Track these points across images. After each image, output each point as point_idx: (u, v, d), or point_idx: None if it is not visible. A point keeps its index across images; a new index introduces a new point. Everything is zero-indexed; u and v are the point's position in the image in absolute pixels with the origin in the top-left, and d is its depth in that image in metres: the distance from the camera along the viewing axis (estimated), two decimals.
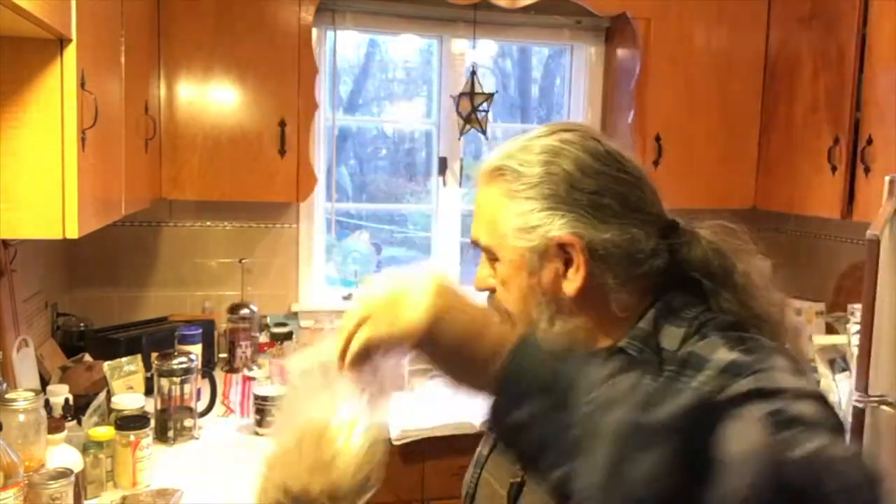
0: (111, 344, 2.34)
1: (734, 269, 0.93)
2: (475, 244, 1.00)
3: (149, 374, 2.14)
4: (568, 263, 0.92)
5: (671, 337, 0.90)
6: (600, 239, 0.90)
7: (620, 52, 2.98)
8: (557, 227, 0.91)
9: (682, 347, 0.89)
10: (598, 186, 0.92)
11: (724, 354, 0.83)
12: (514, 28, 3.03)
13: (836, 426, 0.77)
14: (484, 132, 2.88)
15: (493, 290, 0.98)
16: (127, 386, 2.08)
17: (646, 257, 0.92)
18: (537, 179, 0.92)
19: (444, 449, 2.24)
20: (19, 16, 1.15)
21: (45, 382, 2.04)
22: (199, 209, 2.83)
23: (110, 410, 1.87)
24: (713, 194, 2.85)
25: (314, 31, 2.70)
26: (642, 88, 2.77)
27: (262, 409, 2.09)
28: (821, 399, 0.78)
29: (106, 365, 2.07)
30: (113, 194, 1.80)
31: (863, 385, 1.67)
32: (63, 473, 1.41)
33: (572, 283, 0.92)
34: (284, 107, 2.53)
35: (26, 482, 1.32)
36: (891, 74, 2.21)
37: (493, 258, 0.97)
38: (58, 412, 1.78)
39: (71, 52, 1.39)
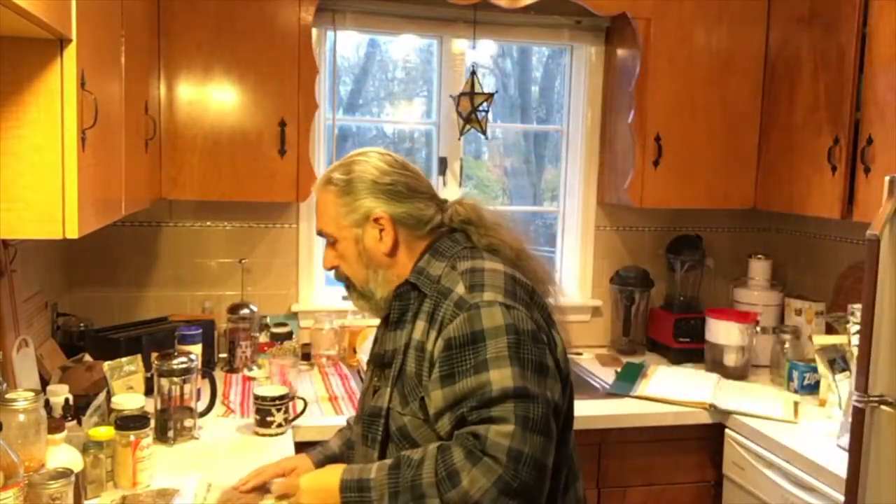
0: (111, 344, 2.34)
1: (483, 218, 1.51)
2: (320, 234, 1.52)
3: (149, 374, 2.13)
4: (381, 231, 1.46)
5: (436, 268, 1.44)
6: (398, 212, 1.46)
7: (620, 53, 2.98)
8: (371, 208, 1.45)
9: (443, 276, 1.41)
10: (392, 181, 1.46)
11: (459, 290, 1.37)
12: (513, 28, 3.03)
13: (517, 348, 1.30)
14: (484, 132, 2.88)
15: (337, 267, 1.51)
16: (127, 386, 2.08)
17: (428, 219, 1.48)
18: (354, 182, 1.46)
19: None
20: (19, 16, 1.14)
21: (45, 382, 2.04)
22: (199, 209, 2.83)
23: (110, 410, 1.87)
24: (713, 194, 2.85)
25: (314, 31, 2.70)
26: (642, 88, 2.77)
27: (262, 409, 2.09)
28: (513, 330, 1.31)
29: (106, 365, 2.07)
30: (113, 194, 1.80)
31: (863, 385, 1.67)
32: (63, 473, 1.40)
33: (385, 244, 1.46)
34: (284, 107, 2.53)
35: (26, 482, 1.32)
36: (891, 74, 2.21)
37: (333, 242, 1.50)
38: (58, 412, 1.78)
39: (71, 52, 1.39)
